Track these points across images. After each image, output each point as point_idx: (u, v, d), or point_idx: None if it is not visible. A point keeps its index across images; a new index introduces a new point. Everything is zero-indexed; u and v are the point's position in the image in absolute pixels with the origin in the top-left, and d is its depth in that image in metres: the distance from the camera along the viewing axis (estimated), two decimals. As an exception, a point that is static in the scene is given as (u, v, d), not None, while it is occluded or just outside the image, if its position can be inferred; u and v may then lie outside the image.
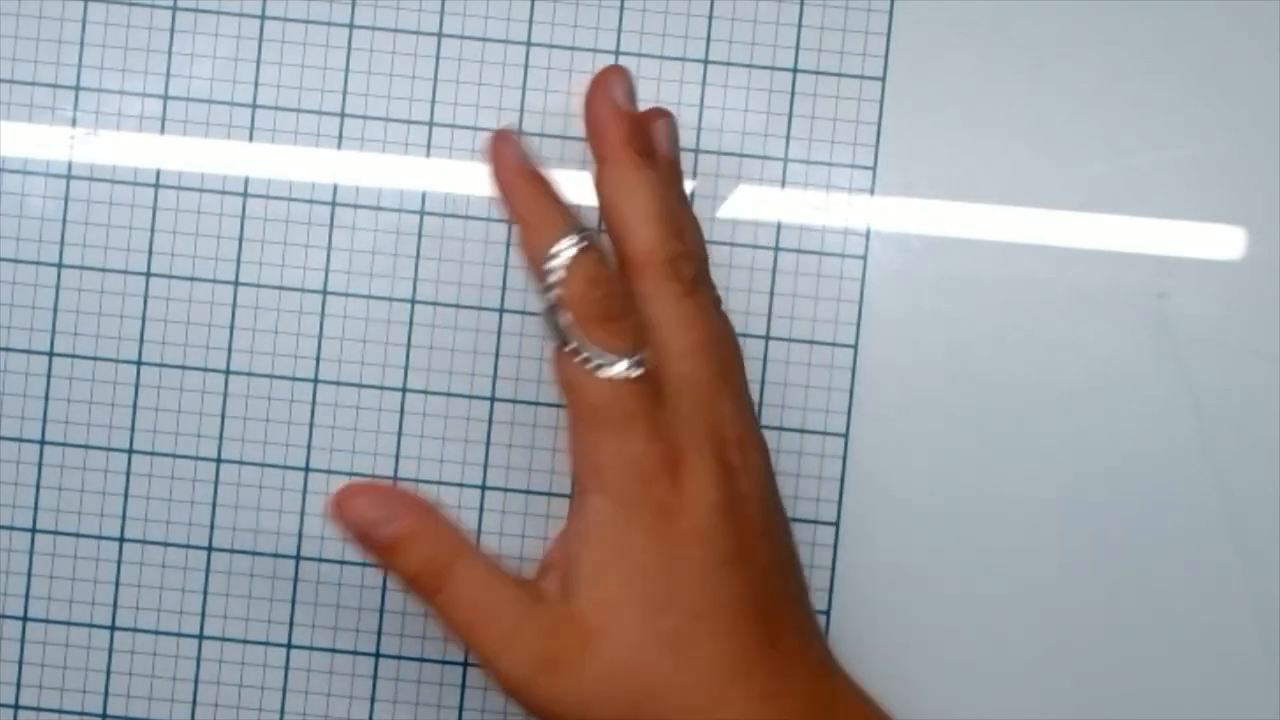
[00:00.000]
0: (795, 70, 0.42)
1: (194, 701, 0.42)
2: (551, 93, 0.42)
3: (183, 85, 0.42)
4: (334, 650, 0.42)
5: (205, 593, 0.42)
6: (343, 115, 0.42)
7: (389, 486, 0.35)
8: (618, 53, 0.42)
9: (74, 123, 0.42)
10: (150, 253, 0.42)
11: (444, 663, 0.42)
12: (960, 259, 0.42)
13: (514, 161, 0.35)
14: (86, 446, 0.42)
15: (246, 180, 0.42)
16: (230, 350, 0.42)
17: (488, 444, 0.42)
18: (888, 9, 0.42)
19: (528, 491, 0.42)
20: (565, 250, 0.33)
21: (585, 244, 0.34)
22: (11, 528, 0.42)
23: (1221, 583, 0.42)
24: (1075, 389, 0.42)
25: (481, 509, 0.42)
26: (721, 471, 0.34)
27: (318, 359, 0.42)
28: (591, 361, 0.33)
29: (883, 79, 0.42)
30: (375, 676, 0.42)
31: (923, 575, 0.42)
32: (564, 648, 0.33)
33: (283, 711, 0.42)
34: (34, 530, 0.42)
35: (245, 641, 0.42)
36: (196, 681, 0.42)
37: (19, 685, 0.42)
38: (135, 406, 0.42)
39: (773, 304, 0.42)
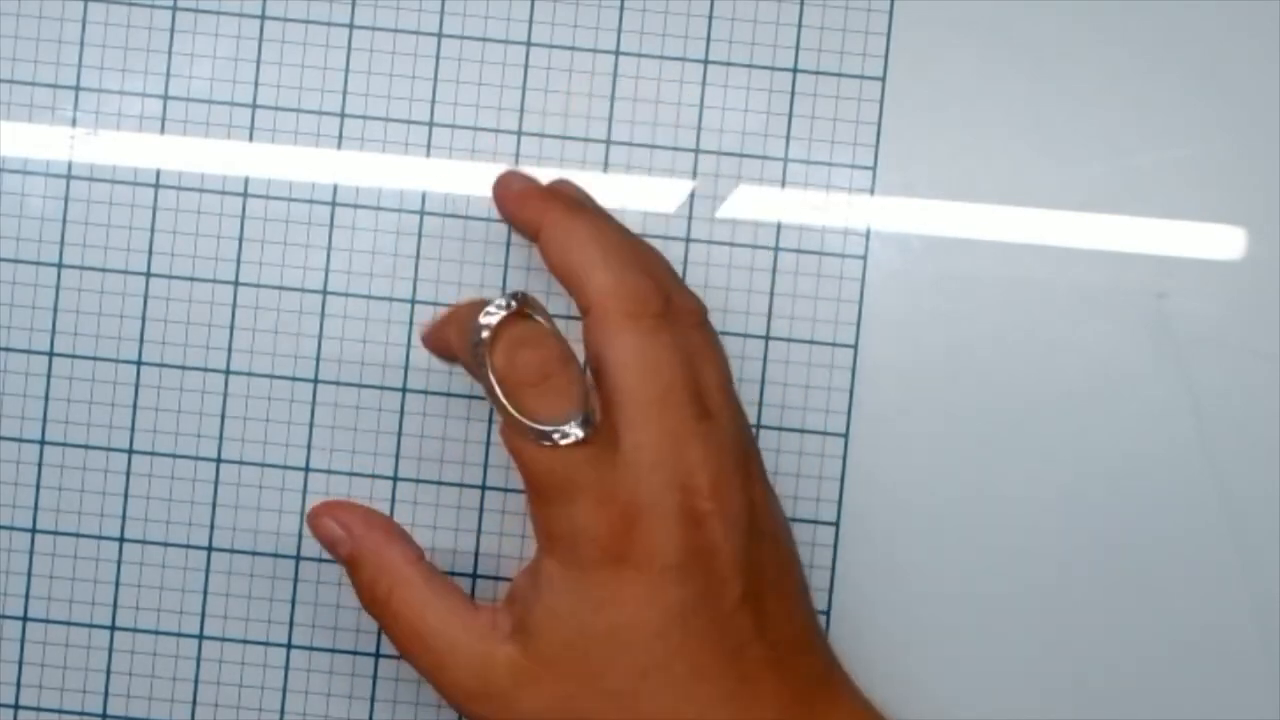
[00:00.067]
0: (795, 70, 0.42)
1: (194, 701, 0.42)
2: (551, 93, 0.42)
3: (183, 85, 0.42)
4: (334, 650, 0.42)
5: (205, 593, 0.42)
6: (343, 115, 0.42)
7: (352, 506, 0.37)
8: (618, 53, 0.42)
9: (74, 123, 0.42)
10: (150, 253, 0.42)
11: (444, 663, 0.42)
12: (960, 259, 0.42)
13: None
14: (86, 446, 0.42)
15: (246, 180, 0.42)
16: (230, 350, 0.42)
17: (487, 444, 0.42)
18: (888, 9, 0.42)
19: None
20: (488, 319, 0.33)
21: (510, 307, 0.33)
22: (11, 528, 0.42)
23: (1221, 583, 0.42)
24: (1075, 389, 0.42)
25: (481, 509, 0.42)
26: (685, 525, 0.33)
27: (318, 359, 0.42)
28: (529, 433, 0.33)
29: (883, 79, 0.42)
30: (375, 676, 0.42)
31: (923, 575, 0.42)
32: (495, 685, 0.34)
33: (283, 711, 0.42)
34: (34, 530, 0.42)
35: (245, 641, 0.42)
36: (196, 681, 0.42)
37: (19, 685, 0.42)
38: (135, 406, 0.42)
39: (773, 304, 0.42)
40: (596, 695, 0.33)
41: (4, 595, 0.42)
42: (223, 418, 0.42)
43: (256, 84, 0.42)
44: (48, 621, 0.42)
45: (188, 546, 0.42)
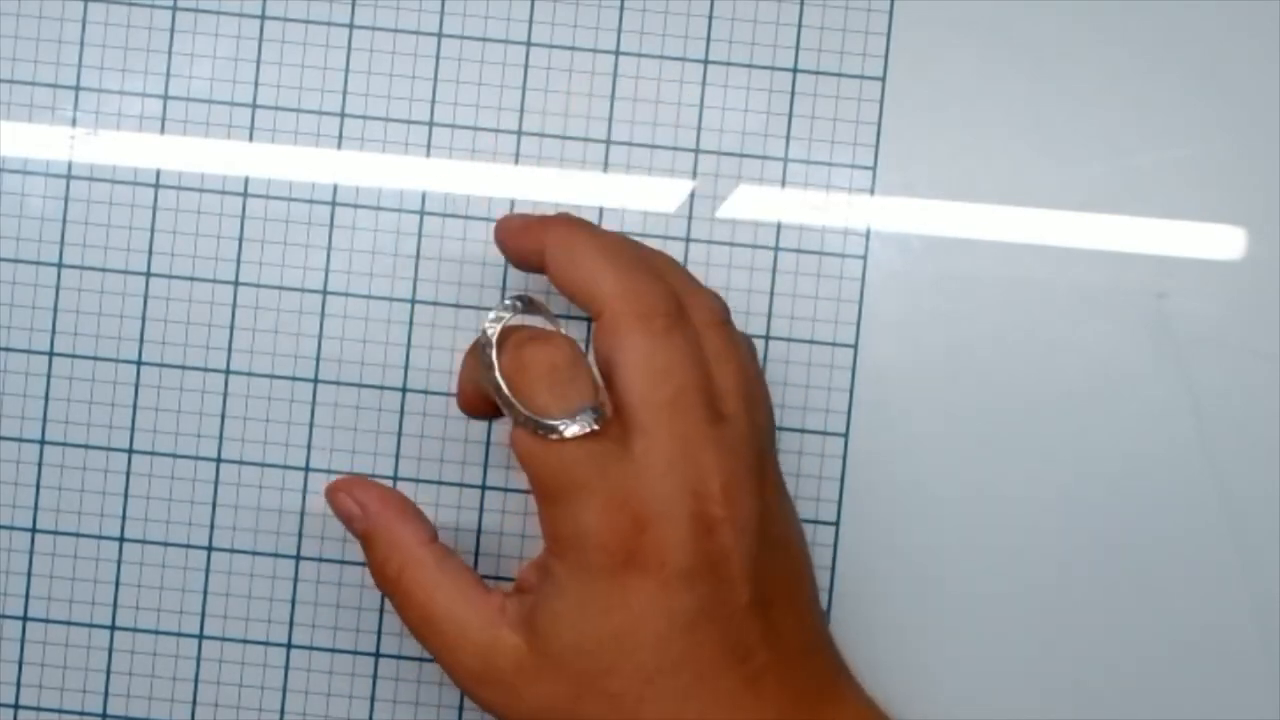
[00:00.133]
0: (795, 70, 0.42)
1: (194, 701, 0.42)
2: (551, 93, 0.42)
3: (183, 85, 0.42)
4: (334, 650, 0.42)
5: (205, 593, 0.42)
6: (343, 115, 0.42)
7: (369, 484, 0.38)
8: (618, 53, 0.42)
9: (74, 123, 0.42)
10: (150, 253, 0.42)
11: (444, 663, 0.42)
12: (960, 259, 0.42)
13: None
14: (86, 446, 0.42)
15: (246, 180, 0.42)
16: (230, 350, 0.42)
17: (488, 444, 0.42)
18: (888, 9, 0.42)
19: (528, 491, 0.42)
20: (494, 323, 0.34)
21: (516, 309, 0.34)
22: (11, 528, 0.42)
23: (1221, 583, 0.42)
24: (1075, 389, 0.42)
25: (481, 509, 0.42)
26: (696, 531, 0.33)
27: (318, 359, 0.42)
28: (537, 428, 0.33)
29: (883, 79, 0.42)
30: (375, 676, 0.42)
31: (922, 575, 0.42)
32: (500, 672, 0.34)
33: (283, 711, 0.42)
34: (34, 530, 0.42)
35: (245, 641, 0.42)
36: (196, 681, 0.42)
37: (19, 685, 0.42)
38: (135, 406, 0.42)
39: (773, 304, 0.42)
40: (600, 697, 0.33)
41: (4, 595, 0.42)
42: (223, 418, 0.42)
43: (256, 84, 0.42)
44: (48, 621, 0.42)
45: (188, 546, 0.42)
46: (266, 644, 0.42)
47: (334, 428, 0.42)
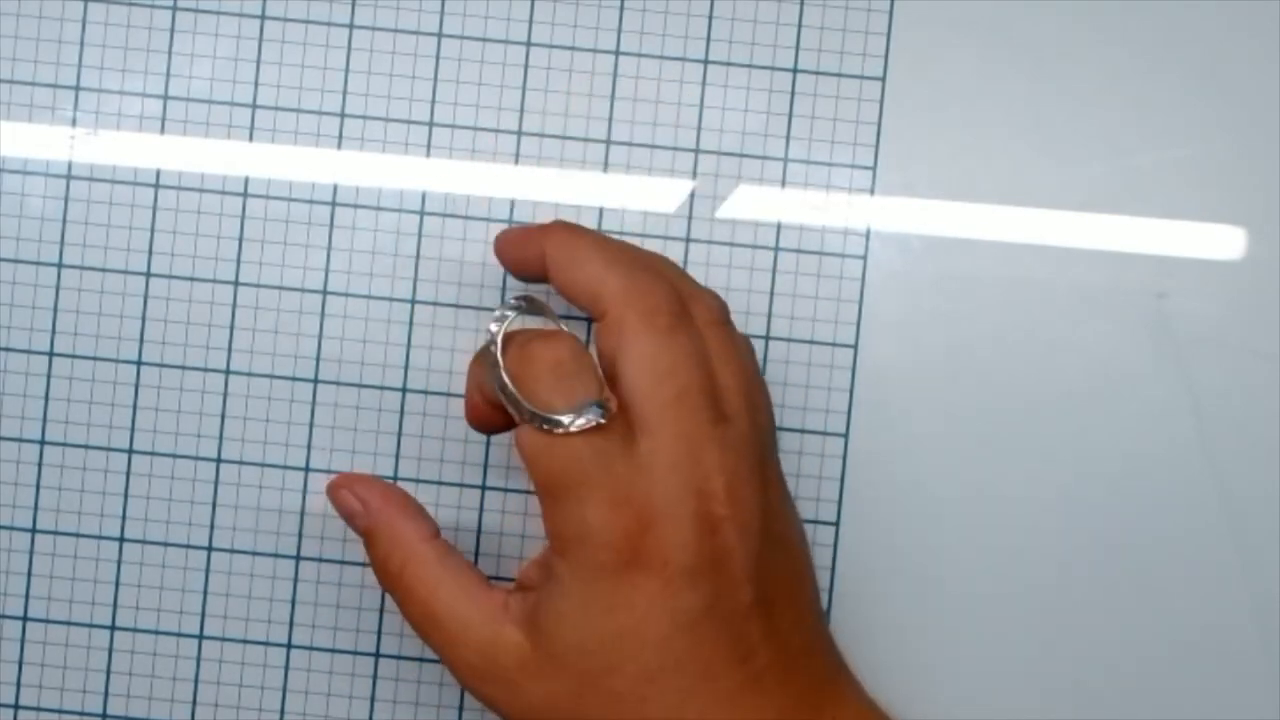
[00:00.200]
0: (795, 70, 0.42)
1: (194, 701, 0.42)
2: (551, 93, 0.42)
3: (183, 85, 0.42)
4: (334, 650, 0.42)
5: (205, 593, 0.42)
6: (343, 115, 0.42)
7: (371, 480, 0.38)
8: (618, 53, 0.42)
9: (74, 123, 0.42)
10: (150, 253, 0.42)
11: (444, 663, 0.42)
12: (960, 259, 0.42)
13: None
14: (86, 446, 0.42)
15: (246, 180, 0.42)
16: (230, 350, 0.42)
17: (488, 444, 0.42)
18: (888, 9, 0.42)
19: (528, 491, 0.42)
20: (499, 321, 0.34)
21: (519, 307, 0.34)
22: (11, 528, 0.42)
23: (1221, 583, 0.42)
24: (1075, 389, 0.42)
25: (481, 509, 0.42)
26: (700, 530, 0.33)
27: (318, 359, 0.42)
28: (542, 423, 0.33)
29: (883, 79, 0.42)
30: (375, 676, 0.42)
31: (922, 575, 0.42)
32: (502, 669, 0.34)
33: (283, 711, 0.42)
34: (34, 530, 0.42)
35: (245, 641, 0.42)
36: (196, 681, 0.42)
37: (19, 685, 0.42)
38: (135, 406, 0.42)
39: (773, 304, 0.42)
40: (602, 695, 0.33)
41: (4, 595, 0.42)
42: (223, 418, 0.42)
43: (256, 84, 0.42)
44: (48, 621, 0.42)
45: (188, 546, 0.42)
46: (266, 644, 0.42)
47: (334, 428, 0.42)
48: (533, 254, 0.35)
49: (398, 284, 0.42)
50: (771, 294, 0.42)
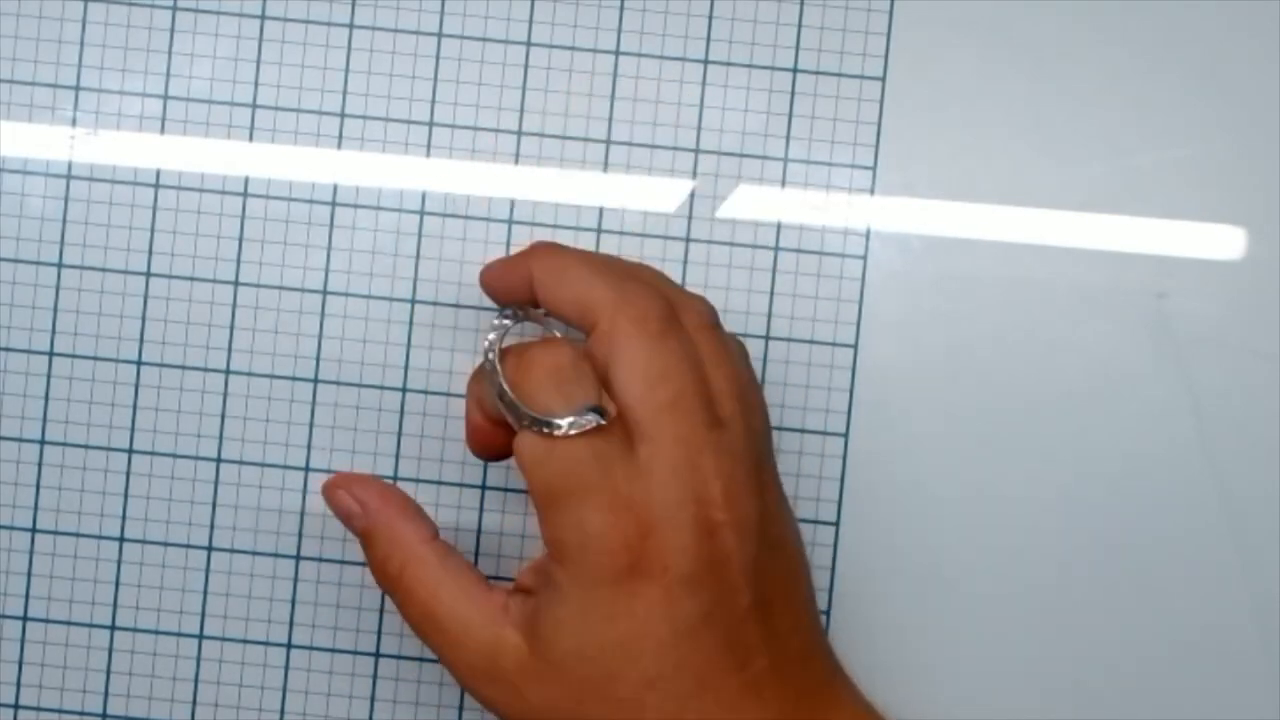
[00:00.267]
0: (795, 70, 0.42)
1: (194, 701, 0.42)
2: (551, 93, 0.42)
3: (183, 85, 0.42)
4: (334, 650, 0.42)
5: (205, 593, 0.42)
6: (343, 115, 0.42)
7: (368, 480, 0.37)
8: (618, 53, 0.42)
9: (74, 123, 0.42)
10: (150, 253, 0.42)
11: (444, 663, 0.42)
12: (960, 259, 0.42)
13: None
14: (86, 446, 0.42)
15: (246, 180, 0.42)
16: (230, 350, 0.42)
17: (488, 444, 0.42)
18: (888, 9, 0.42)
19: (528, 491, 0.42)
20: (497, 329, 0.34)
21: (516, 315, 0.35)
22: (11, 528, 0.42)
23: (1221, 583, 0.42)
24: (1075, 389, 0.42)
25: (481, 509, 0.42)
26: (699, 536, 0.32)
27: (318, 359, 0.42)
28: (540, 426, 0.33)
29: (883, 79, 0.42)
30: (375, 676, 0.42)
31: (922, 575, 0.42)
32: (503, 671, 0.34)
33: (283, 711, 0.42)
34: (34, 530, 0.42)
35: (245, 641, 0.42)
36: (196, 681, 0.42)
37: (19, 685, 0.42)
38: (135, 406, 0.42)
39: (773, 304, 0.42)
40: (602, 701, 0.33)
41: (4, 595, 0.42)
42: (223, 418, 0.42)
43: (256, 84, 0.42)
44: (48, 621, 0.42)
45: (188, 546, 0.42)
46: (266, 644, 0.42)
47: (334, 428, 0.42)
48: (519, 278, 0.35)
49: (398, 284, 0.42)
50: (771, 294, 0.42)
